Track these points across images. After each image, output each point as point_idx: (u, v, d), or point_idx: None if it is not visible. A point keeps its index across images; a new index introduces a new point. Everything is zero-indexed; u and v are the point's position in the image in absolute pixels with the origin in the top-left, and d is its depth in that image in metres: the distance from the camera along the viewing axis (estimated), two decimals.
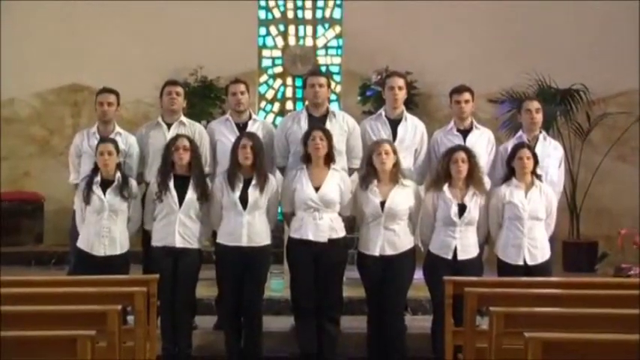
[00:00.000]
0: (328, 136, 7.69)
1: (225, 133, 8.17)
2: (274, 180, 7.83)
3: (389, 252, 7.57)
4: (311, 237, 7.55)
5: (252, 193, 7.53)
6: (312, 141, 7.61)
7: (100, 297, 6.21)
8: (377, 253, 7.59)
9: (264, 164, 7.70)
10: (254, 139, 7.65)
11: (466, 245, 7.55)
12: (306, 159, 7.67)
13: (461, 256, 7.52)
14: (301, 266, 7.65)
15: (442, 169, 7.64)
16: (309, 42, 11.18)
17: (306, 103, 8.66)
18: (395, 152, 7.65)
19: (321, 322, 7.68)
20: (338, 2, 11.30)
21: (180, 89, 8.39)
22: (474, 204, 7.55)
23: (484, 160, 8.00)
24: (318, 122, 7.99)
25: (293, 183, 7.72)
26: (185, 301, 7.60)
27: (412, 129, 8.26)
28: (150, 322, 6.66)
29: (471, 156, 7.60)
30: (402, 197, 7.57)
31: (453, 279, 6.90)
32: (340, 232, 7.67)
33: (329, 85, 8.58)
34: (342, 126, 8.13)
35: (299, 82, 10.93)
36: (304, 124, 8.06)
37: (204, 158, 7.97)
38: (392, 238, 7.56)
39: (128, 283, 6.76)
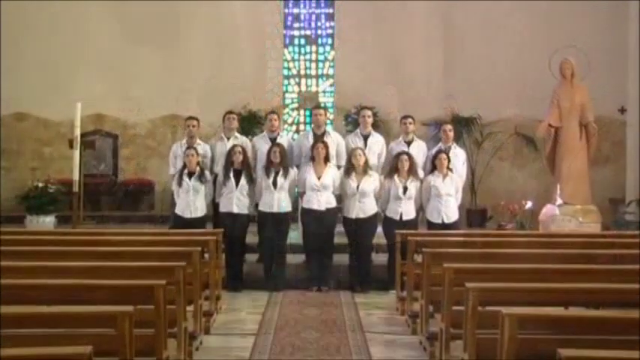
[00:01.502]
0: (326, 146, 9.81)
1: (262, 144, 10.23)
2: (293, 172, 9.89)
3: (361, 215, 9.66)
4: (315, 207, 9.67)
5: (280, 179, 9.69)
6: (316, 149, 9.76)
7: (187, 242, 7.81)
8: (354, 217, 9.69)
9: (287, 162, 9.84)
10: (280, 147, 9.82)
11: (408, 211, 9.65)
12: (313, 159, 9.83)
13: (405, 218, 9.63)
14: (310, 224, 9.74)
15: (393, 166, 9.77)
16: (313, 88, 14.80)
17: (312, 126, 10.85)
18: (365, 155, 9.75)
19: (321, 257, 9.70)
20: (332, 64, 14.81)
21: (235, 116, 10.66)
22: (413, 186, 9.66)
23: (420, 160, 10.12)
24: (319, 138, 10.05)
25: (304, 174, 9.82)
26: (239, 244, 9.75)
27: (377, 141, 10.40)
28: (218, 257, 8.49)
29: (411, 157, 9.74)
30: (369, 182, 9.66)
31: (401, 232, 8.83)
32: (333, 204, 9.77)
33: (326, 115, 11.02)
34: (334, 140, 10.26)
35: (308, 113, 14.23)
36: (311, 139, 10.17)
37: (250, 159, 10.03)
38: (363, 207, 9.67)
39: (205, 234, 8.73)
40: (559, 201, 10.93)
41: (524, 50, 13.55)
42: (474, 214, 13.28)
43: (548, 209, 11.06)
